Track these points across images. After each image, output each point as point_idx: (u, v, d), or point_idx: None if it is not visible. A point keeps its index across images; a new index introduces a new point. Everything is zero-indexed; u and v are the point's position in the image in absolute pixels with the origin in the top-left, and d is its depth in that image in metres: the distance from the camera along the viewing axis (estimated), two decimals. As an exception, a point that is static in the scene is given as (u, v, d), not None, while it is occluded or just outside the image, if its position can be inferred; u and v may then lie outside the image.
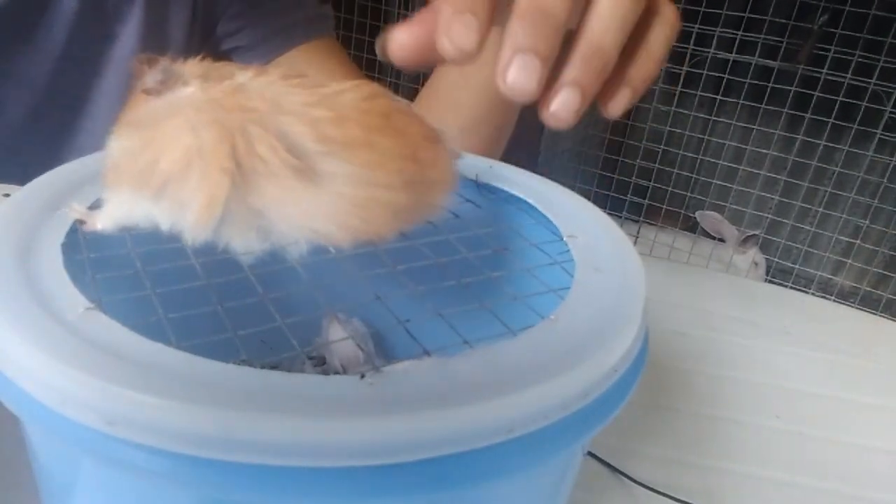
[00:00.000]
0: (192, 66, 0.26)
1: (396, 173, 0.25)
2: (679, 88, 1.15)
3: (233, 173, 0.24)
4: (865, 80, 1.04)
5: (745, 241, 1.24)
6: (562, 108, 0.26)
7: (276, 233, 0.25)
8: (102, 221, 0.27)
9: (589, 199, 0.35)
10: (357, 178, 0.25)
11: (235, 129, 0.24)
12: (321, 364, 0.42)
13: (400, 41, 0.26)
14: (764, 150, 1.21)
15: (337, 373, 0.39)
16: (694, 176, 1.23)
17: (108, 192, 0.27)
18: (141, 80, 0.26)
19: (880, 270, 1.18)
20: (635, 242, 1.09)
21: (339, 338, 0.39)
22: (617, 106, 0.29)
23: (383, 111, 0.26)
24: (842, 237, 1.18)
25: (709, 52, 1.13)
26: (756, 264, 1.25)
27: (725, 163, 1.22)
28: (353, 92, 0.26)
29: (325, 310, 0.37)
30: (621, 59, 0.27)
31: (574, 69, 0.26)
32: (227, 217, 0.24)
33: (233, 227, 0.25)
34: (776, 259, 1.22)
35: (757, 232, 1.23)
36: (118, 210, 0.27)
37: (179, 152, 0.24)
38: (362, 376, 0.21)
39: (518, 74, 0.24)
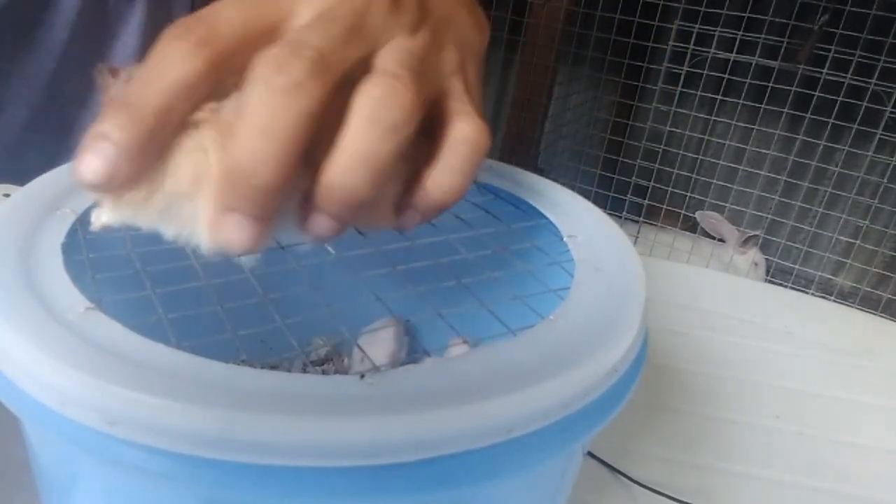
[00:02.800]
0: None
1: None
2: (679, 88, 1.16)
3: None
4: (866, 80, 1.04)
5: (745, 241, 1.24)
6: (314, 230, 0.24)
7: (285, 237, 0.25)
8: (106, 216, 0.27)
9: (589, 199, 0.34)
10: None
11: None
12: (321, 364, 0.42)
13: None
14: (764, 150, 1.21)
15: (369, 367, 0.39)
16: (694, 176, 1.23)
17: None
18: (106, 90, 0.25)
19: (880, 270, 1.18)
20: (635, 242, 1.09)
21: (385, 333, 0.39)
22: (404, 225, 0.27)
23: None
24: (842, 237, 1.18)
25: (709, 52, 1.13)
26: (756, 264, 1.25)
27: (725, 163, 1.22)
28: None
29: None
30: (410, 183, 0.26)
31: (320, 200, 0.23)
32: None
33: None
34: (776, 259, 1.22)
35: (757, 232, 1.23)
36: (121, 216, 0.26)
37: (188, 173, 0.23)
38: (362, 376, 0.21)
39: (231, 232, 0.22)
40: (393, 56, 0.24)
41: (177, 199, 0.24)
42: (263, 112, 0.21)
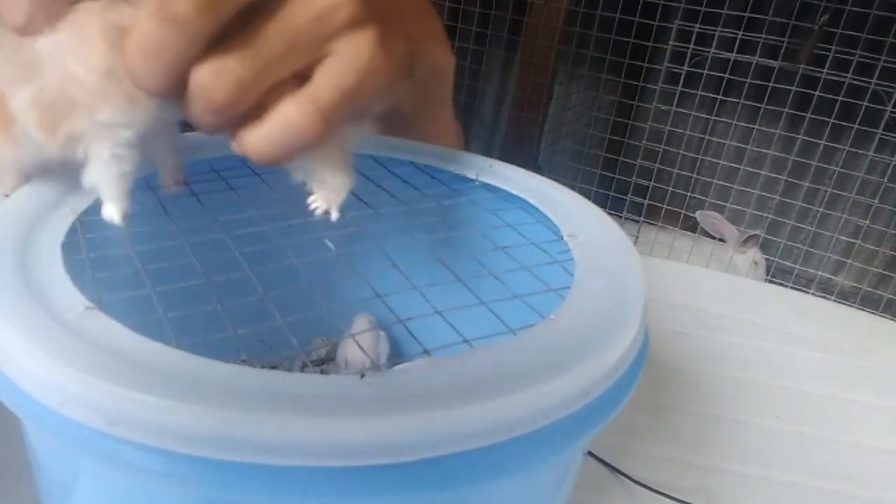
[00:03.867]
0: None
1: None
2: (679, 88, 1.15)
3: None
4: (866, 79, 1.04)
5: (746, 241, 1.24)
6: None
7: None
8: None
9: (589, 199, 0.34)
10: None
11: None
12: (321, 364, 0.42)
13: None
14: (764, 150, 1.21)
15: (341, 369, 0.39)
16: (694, 176, 1.23)
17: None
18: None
19: (880, 270, 1.18)
20: (635, 242, 1.08)
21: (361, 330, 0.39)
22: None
23: None
24: (842, 237, 1.18)
25: (709, 52, 1.13)
26: (756, 264, 1.25)
27: (726, 162, 1.22)
28: None
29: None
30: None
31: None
32: None
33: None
34: (776, 259, 1.22)
35: (757, 232, 1.23)
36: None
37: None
38: (362, 376, 0.21)
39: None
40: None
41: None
42: (147, 36, 0.24)
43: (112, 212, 0.27)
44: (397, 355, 0.40)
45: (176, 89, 0.25)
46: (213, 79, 0.25)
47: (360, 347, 0.35)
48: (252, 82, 0.25)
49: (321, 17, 0.25)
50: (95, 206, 0.29)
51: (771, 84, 1.11)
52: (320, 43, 0.26)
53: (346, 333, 0.39)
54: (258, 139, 0.26)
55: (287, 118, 0.26)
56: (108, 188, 0.27)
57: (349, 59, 0.26)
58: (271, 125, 0.26)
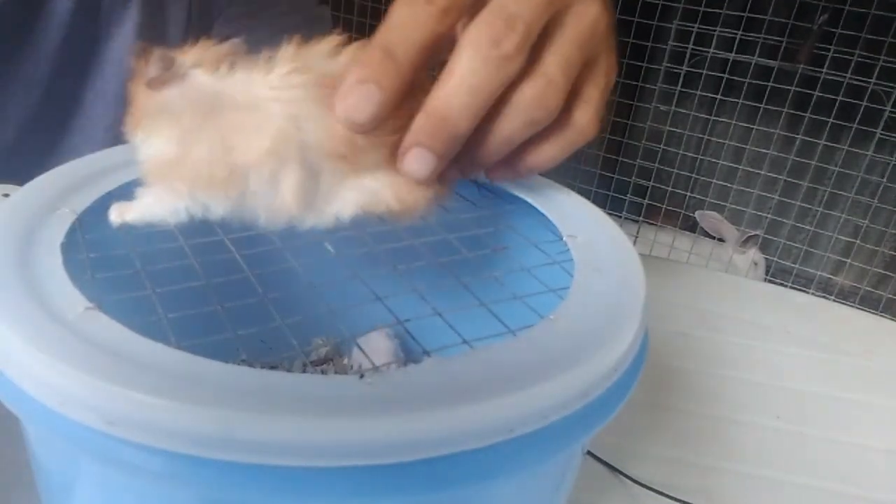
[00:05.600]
0: (190, 54, 0.27)
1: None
2: (679, 88, 1.16)
3: (304, 163, 0.26)
4: (865, 79, 1.04)
5: (745, 240, 1.24)
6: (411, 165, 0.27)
7: (333, 212, 0.28)
8: (132, 214, 0.28)
9: (589, 199, 0.34)
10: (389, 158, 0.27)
11: (292, 124, 0.26)
12: (321, 364, 0.42)
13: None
14: (764, 150, 1.21)
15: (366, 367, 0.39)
16: (694, 176, 1.23)
17: (151, 187, 0.27)
18: (141, 72, 0.26)
19: (880, 270, 1.18)
20: (635, 242, 1.09)
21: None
22: (495, 179, 0.32)
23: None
24: (842, 237, 1.18)
25: (709, 52, 1.14)
26: (756, 264, 1.25)
27: (725, 162, 1.22)
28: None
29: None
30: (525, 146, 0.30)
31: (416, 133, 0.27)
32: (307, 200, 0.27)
33: (308, 210, 0.27)
34: (776, 259, 1.23)
35: (757, 232, 1.23)
36: (156, 205, 0.27)
37: (255, 149, 0.25)
38: (361, 376, 0.21)
39: (412, 163, 0.27)
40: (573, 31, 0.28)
41: (249, 173, 0.26)
42: (475, 74, 0.25)
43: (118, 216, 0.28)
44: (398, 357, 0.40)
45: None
46: (544, 87, 0.27)
47: (371, 360, 0.35)
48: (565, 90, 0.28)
49: (593, 33, 0.29)
50: (95, 207, 0.29)
51: (770, 84, 1.11)
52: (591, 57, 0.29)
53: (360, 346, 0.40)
54: (552, 153, 0.30)
55: (581, 126, 0.30)
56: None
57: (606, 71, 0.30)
58: (566, 141, 0.30)
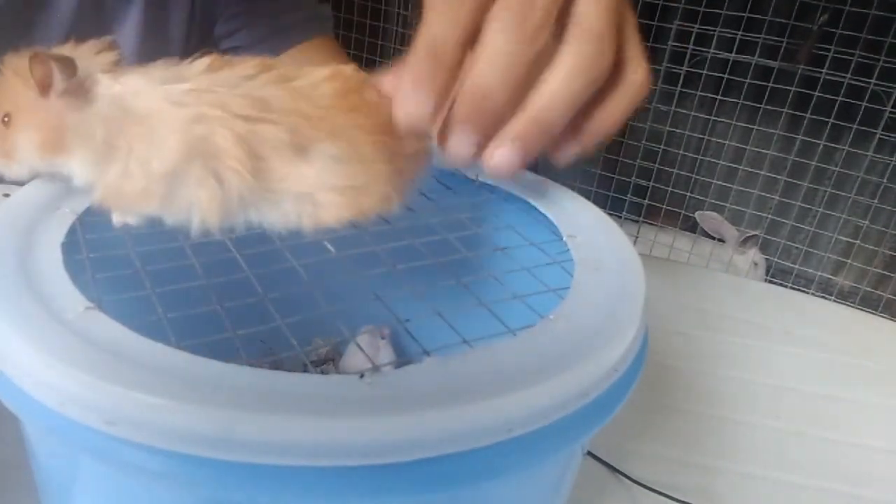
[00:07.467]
0: (83, 58, 0.27)
1: (374, 146, 0.28)
2: (679, 88, 1.16)
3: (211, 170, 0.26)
4: (865, 80, 1.04)
5: (745, 241, 1.24)
6: (500, 161, 0.28)
7: (282, 209, 0.27)
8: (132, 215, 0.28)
9: (589, 199, 0.34)
10: (344, 153, 0.27)
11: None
12: (321, 364, 0.42)
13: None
14: (764, 150, 1.21)
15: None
16: (694, 176, 1.23)
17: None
18: (31, 78, 0.26)
19: (880, 270, 1.18)
20: (635, 242, 1.09)
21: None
22: (563, 158, 0.31)
23: (357, 90, 0.28)
24: (842, 237, 1.18)
25: (709, 52, 1.14)
26: (756, 264, 1.25)
27: (725, 163, 1.22)
28: (330, 82, 0.28)
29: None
30: (578, 115, 0.29)
31: (517, 127, 0.28)
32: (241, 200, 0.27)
33: (248, 208, 0.27)
34: (776, 259, 1.23)
35: (757, 232, 1.23)
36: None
37: (166, 158, 0.26)
38: (361, 376, 0.21)
39: (456, 142, 0.28)
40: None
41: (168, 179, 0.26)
42: (507, 49, 0.26)
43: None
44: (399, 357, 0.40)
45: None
46: (597, 43, 0.28)
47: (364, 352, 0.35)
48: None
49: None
50: (95, 207, 0.29)
51: (770, 84, 1.11)
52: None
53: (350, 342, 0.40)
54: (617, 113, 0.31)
55: (635, 81, 0.30)
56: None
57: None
58: (627, 97, 0.30)
